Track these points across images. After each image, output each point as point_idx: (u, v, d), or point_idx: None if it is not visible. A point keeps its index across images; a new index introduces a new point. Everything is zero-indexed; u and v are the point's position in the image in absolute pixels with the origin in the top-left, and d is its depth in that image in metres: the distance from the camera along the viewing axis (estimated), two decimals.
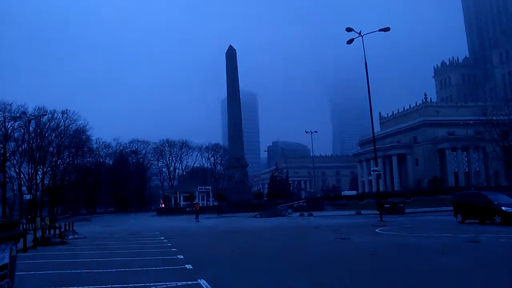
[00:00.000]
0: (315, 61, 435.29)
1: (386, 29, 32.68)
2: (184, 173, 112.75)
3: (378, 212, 32.90)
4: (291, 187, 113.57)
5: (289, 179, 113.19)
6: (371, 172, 51.19)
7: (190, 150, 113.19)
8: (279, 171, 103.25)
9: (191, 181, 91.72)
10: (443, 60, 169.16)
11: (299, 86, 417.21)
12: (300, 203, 57.44)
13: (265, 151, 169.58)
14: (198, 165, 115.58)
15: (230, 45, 77.57)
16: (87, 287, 8.82)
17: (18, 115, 71.63)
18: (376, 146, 41.76)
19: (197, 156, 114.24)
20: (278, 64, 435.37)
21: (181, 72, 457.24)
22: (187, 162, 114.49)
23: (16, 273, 9.63)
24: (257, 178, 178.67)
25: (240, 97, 78.36)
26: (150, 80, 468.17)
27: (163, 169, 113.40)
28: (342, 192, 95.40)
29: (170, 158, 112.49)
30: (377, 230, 21.57)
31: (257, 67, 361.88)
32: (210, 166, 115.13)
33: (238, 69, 77.21)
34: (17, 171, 74.76)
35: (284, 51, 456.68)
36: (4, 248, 5.96)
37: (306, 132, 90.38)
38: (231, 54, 76.55)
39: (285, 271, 10.46)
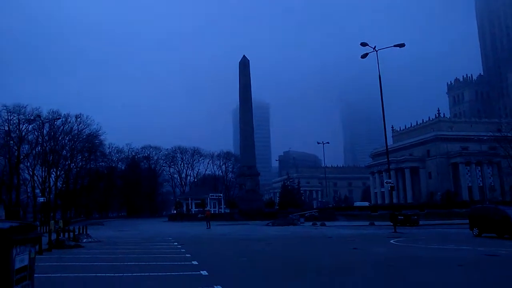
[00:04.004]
0: (328, 72, 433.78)
1: (401, 45, 32.89)
2: (195, 180, 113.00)
3: (391, 224, 32.58)
4: (302, 197, 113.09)
5: (301, 188, 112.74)
6: (384, 184, 51.12)
7: (202, 158, 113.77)
8: (290, 180, 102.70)
9: (202, 188, 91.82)
10: (456, 77, 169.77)
11: (311, 97, 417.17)
12: (312, 213, 57.01)
13: (276, 160, 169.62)
14: (210, 173, 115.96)
15: (244, 55, 78.10)
16: None
17: (32, 117, 72.45)
18: (388, 159, 42.15)
19: (208, 163, 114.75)
20: (290, 75, 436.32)
21: (194, 80, 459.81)
22: (198, 169, 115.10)
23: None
24: (268, 187, 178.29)
25: (252, 106, 78.58)
26: (162, 87, 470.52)
27: (175, 175, 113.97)
28: (355, 203, 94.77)
29: (182, 165, 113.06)
30: (392, 241, 21.32)
31: (270, 78, 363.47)
32: (221, 174, 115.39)
33: (251, 79, 77.68)
34: (31, 173, 75.33)
35: (296, 62, 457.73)
36: (24, 250, 5.91)
37: (318, 143, 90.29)
38: (244, 64, 77.02)
39: (299, 280, 10.37)
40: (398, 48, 33.33)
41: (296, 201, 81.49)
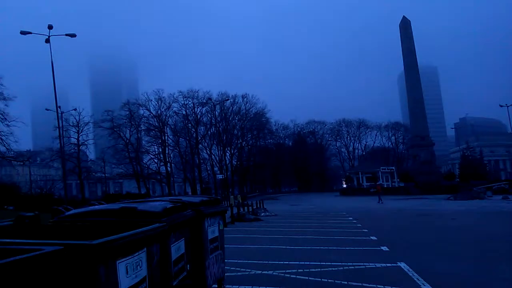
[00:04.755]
0: (504, 23, 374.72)
1: None
2: (364, 153, 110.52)
3: None
4: (487, 168, 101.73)
5: (484, 158, 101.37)
6: None
7: (368, 130, 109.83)
8: (470, 149, 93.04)
9: (372, 162, 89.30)
10: None
11: (486, 54, 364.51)
12: (502, 185, 50.72)
13: (452, 128, 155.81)
14: (378, 145, 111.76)
15: (404, 16, 72.62)
16: (287, 262, 8.97)
17: (204, 101, 79.84)
18: None
19: (376, 135, 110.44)
20: (458, 31, 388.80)
21: (353, 49, 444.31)
22: (366, 142, 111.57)
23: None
24: (445, 158, 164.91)
25: (419, 70, 72.94)
26: (321, 60, 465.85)
27: (342, 149, 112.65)
28: None
29: (348, 138, 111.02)
30: None
31: (435, 37, 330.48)
32: (391, 146, 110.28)
33: (415, 41, 71.94)
34: (209, 153, 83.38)
35: (464, 15, 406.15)
36: (214, 222, 6.33)
37: (501, 106, 79.70)
38: (405, 26, 71.65)
39: (493, 260, 9.00)
40: None
41: (479, 173, 73.28)
